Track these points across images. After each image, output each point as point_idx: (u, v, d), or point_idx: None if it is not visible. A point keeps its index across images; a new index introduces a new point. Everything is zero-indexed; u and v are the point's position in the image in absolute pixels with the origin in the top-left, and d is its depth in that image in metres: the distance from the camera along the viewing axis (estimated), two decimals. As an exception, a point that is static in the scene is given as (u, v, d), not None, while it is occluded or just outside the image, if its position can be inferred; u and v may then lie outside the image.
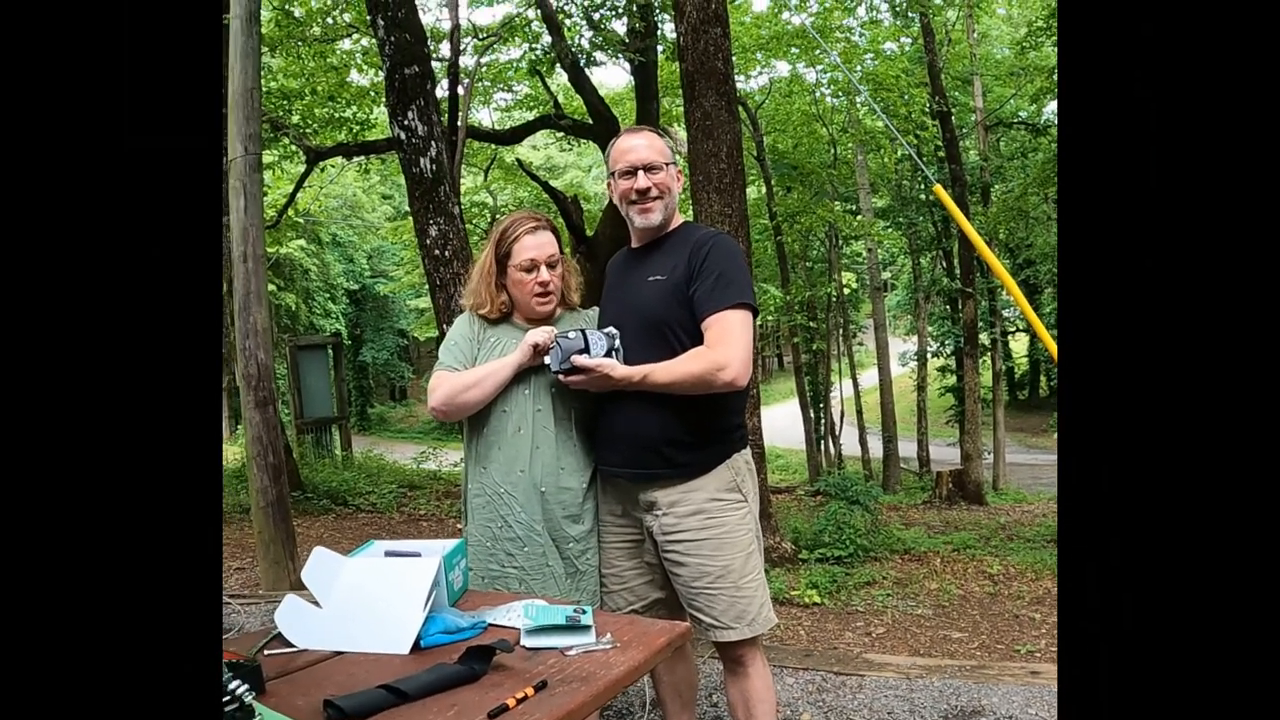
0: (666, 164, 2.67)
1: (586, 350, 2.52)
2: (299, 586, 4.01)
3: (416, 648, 1.92)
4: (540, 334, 2.59)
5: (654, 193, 2.64)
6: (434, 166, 6.31)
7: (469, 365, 2.67)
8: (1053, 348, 2.18)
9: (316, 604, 2.05)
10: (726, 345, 2.48)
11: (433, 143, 6.32)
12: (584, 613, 2.06)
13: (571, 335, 2.54)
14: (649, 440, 2.57)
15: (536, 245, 2.67)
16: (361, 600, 2.04)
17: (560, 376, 2.56)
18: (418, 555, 2.18)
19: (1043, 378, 34.15)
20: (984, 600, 6.38)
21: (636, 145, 2.68)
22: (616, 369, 2.52)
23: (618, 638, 1.97)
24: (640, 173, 2.63)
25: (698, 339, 2.54)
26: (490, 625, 2.06)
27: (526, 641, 1.95)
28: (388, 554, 2.23)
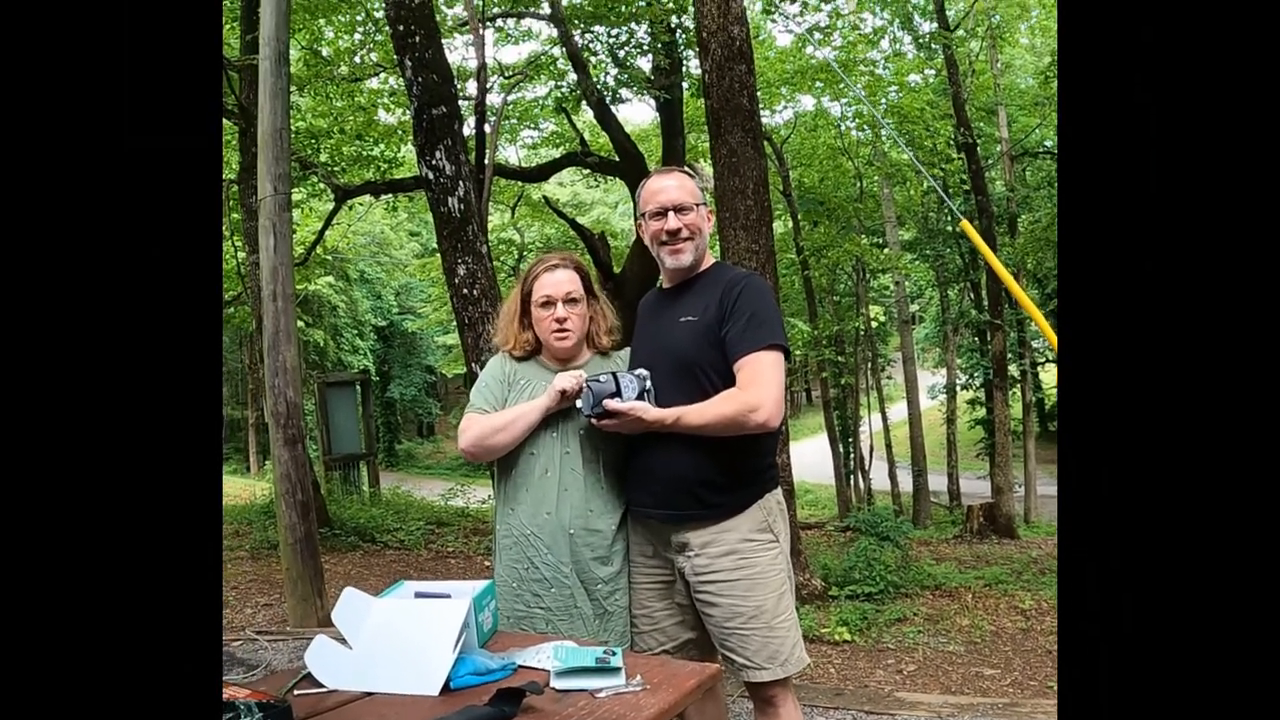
0: (697, 204, 2.69)
1: (618, 394, 2.52)
2: (327, 623, 4.00)
3: (446, 689, 1.91)
4: (568, 379, 2.60)
5: (684, 234, 2.65)
6: (462, 205, 6.31)
7: (499, 407, 2.70)
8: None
9: (346, 644, 2.05)
10: (759, 386, 2.48)
11: (460, 182, 6.32)
12: (614, 654, 2.04)
13: (602, 379, 2.54)
14: (682, 481, 2.56)
15: (553, 283, 2.71)
16: (391, 641, 2.03)
17: (593, 420, 2.56)
18: (447, 596, 2.18)
19: (1073, 409, 33.71)
20: (1017, 636, 6.29)
21: (667, 186, 2.69)
22: (649, 412, 2.52)
23: (648, 679, 1.95)
24: (670, 214, 2.65)
25: (729, 380, 2.53)
26: (520, 667, 2.05)
27: (556, 683, 1.94)
28: (417, 595, 2.23)
